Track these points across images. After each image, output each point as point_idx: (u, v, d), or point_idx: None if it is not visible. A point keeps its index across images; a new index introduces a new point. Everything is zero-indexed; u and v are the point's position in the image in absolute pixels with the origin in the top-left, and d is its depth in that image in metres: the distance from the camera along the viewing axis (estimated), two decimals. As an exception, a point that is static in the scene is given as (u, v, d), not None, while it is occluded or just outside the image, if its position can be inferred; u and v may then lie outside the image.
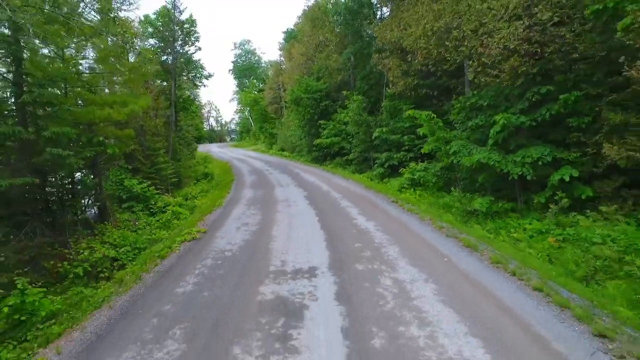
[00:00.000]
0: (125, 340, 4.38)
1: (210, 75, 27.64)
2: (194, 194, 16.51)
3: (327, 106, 25.52)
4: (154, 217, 12.62)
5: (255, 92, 52.70)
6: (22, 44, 7.77)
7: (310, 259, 6.74)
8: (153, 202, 13.38)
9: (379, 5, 21.51)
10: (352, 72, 24.22)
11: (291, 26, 47.56)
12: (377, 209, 10.78)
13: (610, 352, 3.80)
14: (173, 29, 18.79)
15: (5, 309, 5.48)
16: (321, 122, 25.17)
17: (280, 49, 47.80)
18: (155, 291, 5.76)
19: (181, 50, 20.13)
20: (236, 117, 70.36)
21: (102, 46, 9.63)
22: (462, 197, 10.97)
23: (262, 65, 60.57)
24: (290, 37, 43.69)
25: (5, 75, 7.90)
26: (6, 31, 7.67)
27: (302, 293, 5.36)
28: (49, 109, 8.09)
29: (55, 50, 8.84)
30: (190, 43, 20.34)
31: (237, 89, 61.07)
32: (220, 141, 69.77)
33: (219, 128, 76.35)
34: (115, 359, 4.02)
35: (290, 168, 22.67)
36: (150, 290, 5.83)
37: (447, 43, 11.22)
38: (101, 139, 8.95)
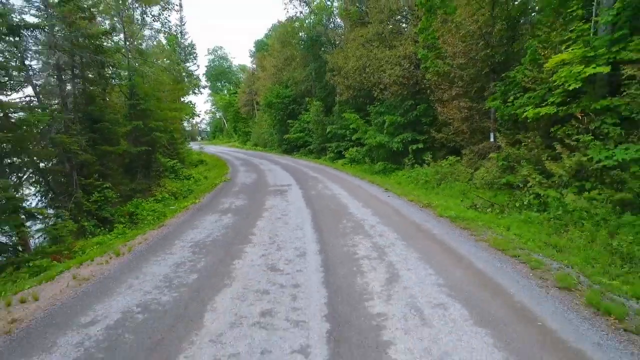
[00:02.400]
0: (225, 195, 12.55)
1: (206, 86, 35.32)
2: (201, 171, 24.28)
3: (294, 109, 33.86)
4: (183, 181, 20.44)
5: (228, 96, 60.00)
6: (132, 77, 15.55)
7: (287, 182, 15.12)
8: (180, 173, 21.17)
9: (333, 39, 30.06)
10: (313, 83, 32.65)
11: (260, 35, 55.10)
12: (324, 171, 19.36)
13: (385, 193, 12.50)
14: (178, 51, 26.48)
15: (160, 197, 13.48)
16: (289, 121, 33.50)
17: (251, 56, 55.65)
18: (222, 191, 13.91)
19: (184, 66, 27.86)
20: (207, 117, 76.98)
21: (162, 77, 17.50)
22: (372, 164, 19.75)
23: (234, 68, 68.00)
24: (261, 46, 51.75)
25: (126, 95, 15.59)
26: (125, 72, 15.39)
27: (285, 188, 13.73)
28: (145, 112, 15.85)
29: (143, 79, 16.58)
30: (190, 61, 28.09)
31: (210, 91, 68.26)
32: (192, 140, 75.96)
33: (189, 127, 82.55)
34: (227, 197, 12.18)
35: (267, 156, 30.86)
36: (219, 192, 13.95)
37: (363, 74, 19.99)
38: (172, 128, 16.77)
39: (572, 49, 8.78)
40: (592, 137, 8.43)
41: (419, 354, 3.43)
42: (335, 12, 30.16)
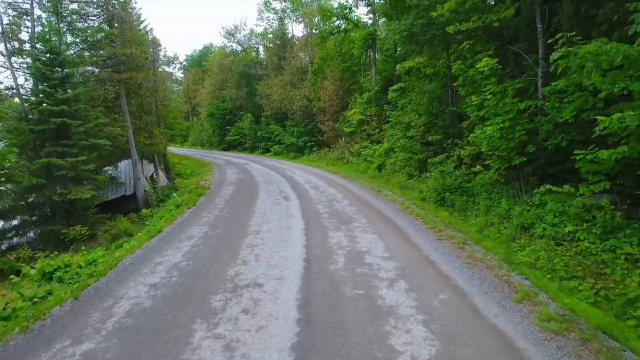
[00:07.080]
0: (223, 167, 28.14)
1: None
2: (178, 161, 38.59)
3: (230, 119, 49.17)
4: (178, 164, 34.98)
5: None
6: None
7: (246, 162, 31.15)
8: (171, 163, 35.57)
9: (262, 74, 46.19)
10: (245, 101, 48.33)
11: (189, 49, 68.72)
12: (258, 158, 35.70)
13: (293, 163, 29.44)
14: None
15: (182, 169, 28.69)
16: (227, 127, 48.69)
17: (182, 68, 68.90)
18: (219, 167, 29.39)
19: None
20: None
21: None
22: (288, 155, 36.67)
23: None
24: (194, 62, 65.38)
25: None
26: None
27: (248, 163, 29.79)
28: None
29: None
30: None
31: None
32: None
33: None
34: (225, 168, 27.83)
35: (213, 152, 45.95)
36: (217, 168, 29.37)
37: (282, 104, 36.76)
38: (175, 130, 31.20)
39: (356, 107, 26.64)
40: (361, 139, 26.29)
41: (307, 183, 20.23)
42: (262, 56, 46.52)
